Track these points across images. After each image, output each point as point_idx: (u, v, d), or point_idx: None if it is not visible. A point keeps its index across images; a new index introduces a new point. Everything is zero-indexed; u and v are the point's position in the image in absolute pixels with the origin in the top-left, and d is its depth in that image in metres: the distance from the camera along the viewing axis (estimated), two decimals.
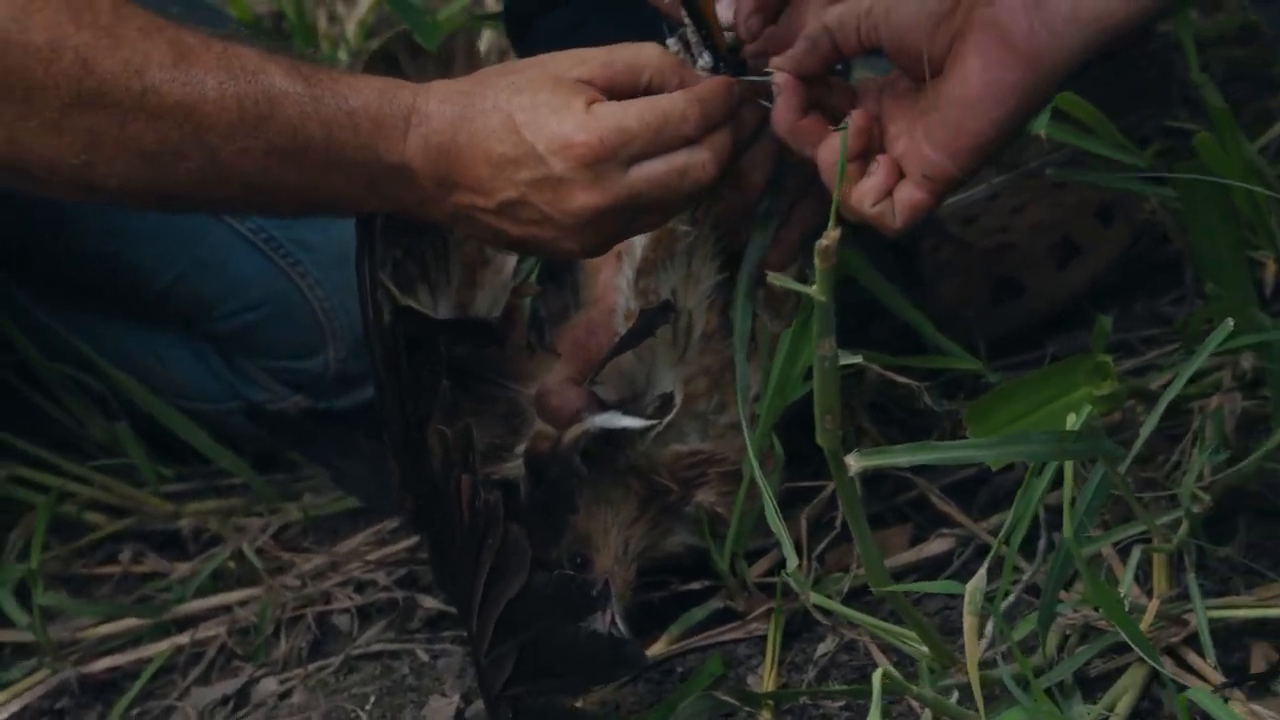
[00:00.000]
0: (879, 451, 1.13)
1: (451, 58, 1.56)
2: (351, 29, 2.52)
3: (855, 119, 1.40)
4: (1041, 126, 1.48)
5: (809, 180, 1.46)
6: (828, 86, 1.45)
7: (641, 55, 1.42)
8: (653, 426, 1.50)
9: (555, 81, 1.41)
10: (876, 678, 1.15)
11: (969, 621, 1.16)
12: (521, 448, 1.51)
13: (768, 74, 1.44)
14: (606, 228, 1.42)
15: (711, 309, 1.54)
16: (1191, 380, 1.53)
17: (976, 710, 1.22)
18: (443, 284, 1.56)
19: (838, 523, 1.55)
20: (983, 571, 1.18)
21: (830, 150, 1.40)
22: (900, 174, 1.40)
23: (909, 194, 1.39)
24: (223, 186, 1.40)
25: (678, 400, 1.52)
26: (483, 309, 1.56)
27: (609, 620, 1.47)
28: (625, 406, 1.51)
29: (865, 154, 1.42)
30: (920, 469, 1.65)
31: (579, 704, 1.45)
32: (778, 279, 1.05)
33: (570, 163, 1.38)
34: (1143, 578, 1.44)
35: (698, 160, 1.41)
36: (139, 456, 1.89)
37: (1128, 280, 1.89)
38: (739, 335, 1.46)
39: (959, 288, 1.83)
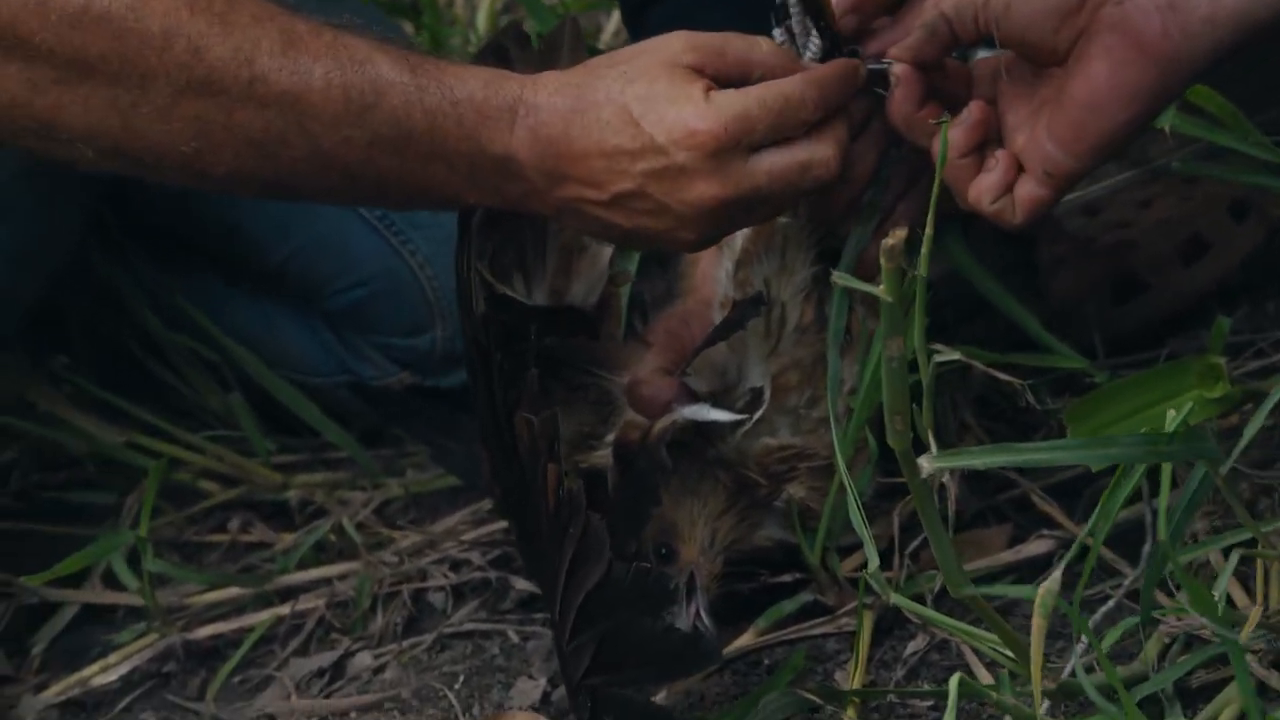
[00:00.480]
0: (956, 454, 1.10)
1: (559, 47, 1.55)
2: (482, 16, 2.52)
3: (972, 111, 1.36)
4: (1167, 121, 1.43)
5: (917, 173, 1.43)
6: (944, 73, 1.41)
7: (755, 49, 1.40)
8: (742, 421, 1.48)
9: (669, 69, 1.38)
10: (953, 682, 1.13)
11: (1037, 624, 1.12)
12: (611, 437, 1.50)
13: (885, 63, 1.40)
14: (723, 219, 1.40)
15: (807, 301, 1.51)
16: None
17: (1050, 709, 1.19)
18: (538, 272, 1.55)
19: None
20: (1056, 575, 1.14)
21: (948, 146, 1.36)
22: (1019, 169, 1.36)
23: (1030, 190, 1.35)
24: (326, 175, 1.40)
25: (767, 396, 1.49)
26: (578, 297, 1.55)
27: (693, 613, 1.45)
28: (716, 399, 1.49)
29: (982, 145, 1.38)
30: (1024, 468, 1.62)
31: (660, 696, 1.45)
32: (842, 278, 1.02)
33: (693, 152, 1.36)
34: (1257, 589, 1.40)
35: (821, 156, 1.38)
36: (251, 428, 1.92)
37: (1259, 279, 1.83)
38: (833, 330, 1.43)
39: (1075, 283, 1.78)
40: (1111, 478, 1.54)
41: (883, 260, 0.96)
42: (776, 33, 1.45)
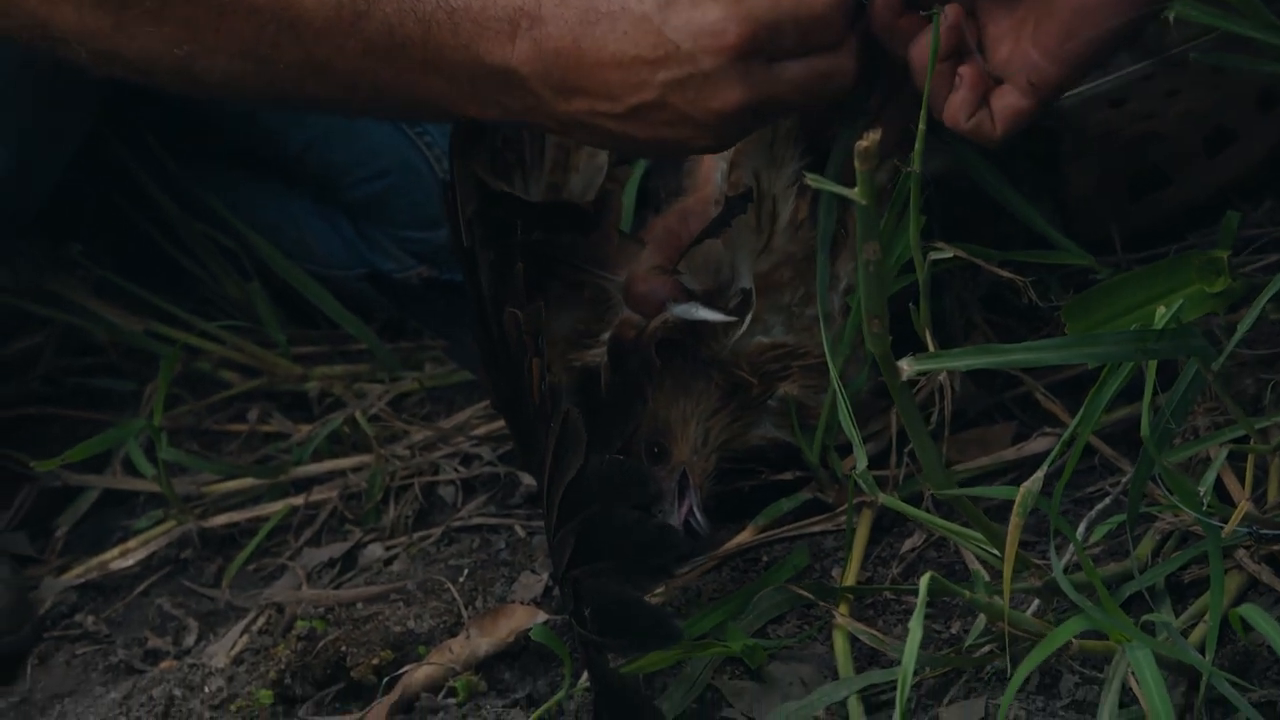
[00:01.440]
0: (934, 356, 1.09)
1: None
2: None
3: (948, 14, 1.34)
4: (1174, 10, 1.40)
5: (903, 77, 1.41)
6: None
7: None
8: (732, 322, 1.47)
9: None
10: (924, 581, 1.13)
11: (1014, 522, 1.12)
12: (607, 335, 1.50)
13: None
14: (744, 124, 1.38)
15: (801, 198, 1.50)
16: None
17: (1028, 613, 1.20)
18: (536, 167, 1.54)
19: (933, 419, 1.52)
20: (1039, 475, 1.14)
21: (921, 50, 1.34)
22: (989, 83, 1.34)
23: (1011, 101, 1.34)
24: (322, 84, 1.39)
25: (754, 299, 1.49)
26: (576, 192, 1.54)
27: (685, 510, 1.47)
28: (710, 297, 1.49)
29: (959, 52, 1.36)
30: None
31: (658, 592, 1.46)
32: (816, 180, 1.02)
33: (719, 56, 1.33)
34: (1247, 484, 1.39)
35: (841, 67, 1.37)
36: (269, 318, 1.93)
37: None
38: (822, 232, 1.42)
39: (1100, 176, 1.76)
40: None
41: (856, 163, 0.95)
42: None
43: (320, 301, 1.94)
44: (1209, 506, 1.25)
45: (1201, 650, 1.25)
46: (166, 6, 1.36)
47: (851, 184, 1.46)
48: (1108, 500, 1.40)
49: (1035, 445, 1.53)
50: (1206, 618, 1.30)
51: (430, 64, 1.36)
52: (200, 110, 1.93)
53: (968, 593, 1.20)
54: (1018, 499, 1.13)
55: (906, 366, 1.07)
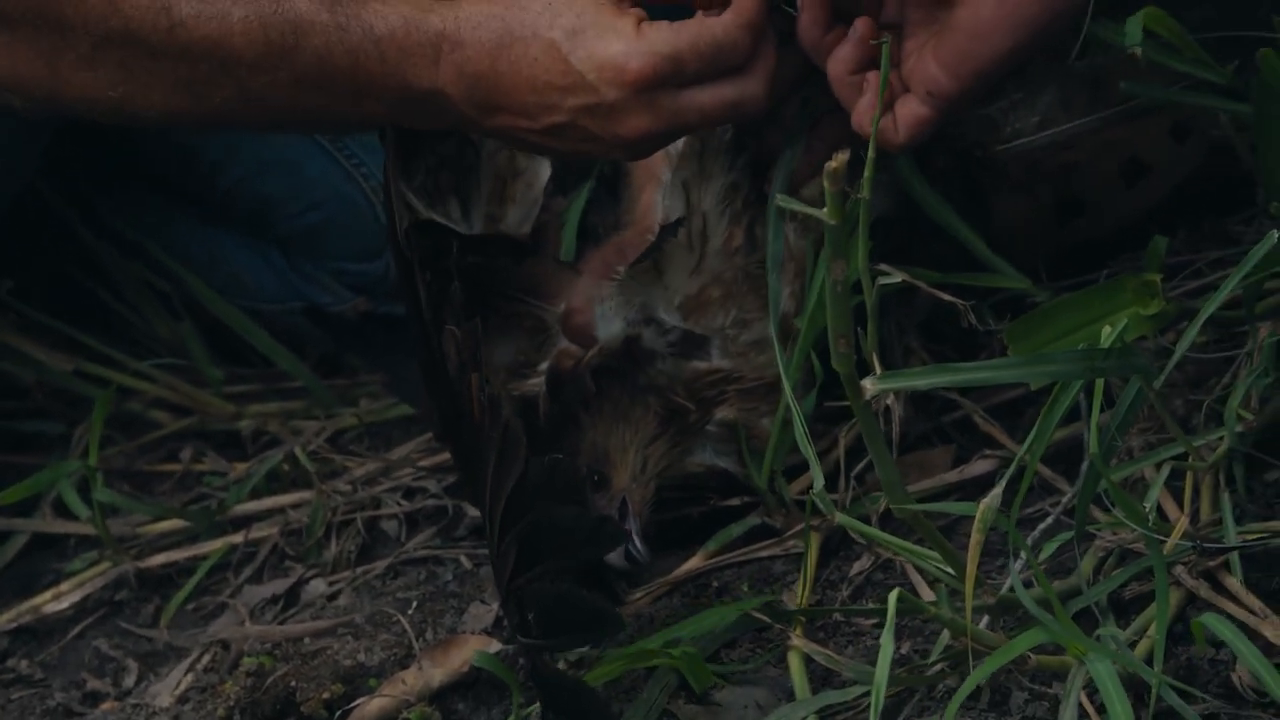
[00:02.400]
0: (896, 375, 1.12)
1: None
2: None
3: (858, 28, 1.39)
4: (1135, 41, 1.45)
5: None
6: None
7: None
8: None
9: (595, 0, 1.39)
10: (892, 597, 1.15)
11: (975, 539, 1.15)
12: (546, 365, 1.52)
13: None
14: (656, 144, 1.42)
15: (736, 224, 1.53)
16: (1249, 303, 1.50)
17: (982, 627, 1.22)
18: (475, 196, 1.56)
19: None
20: (997, 491, 1.16)
21: (838, 64, 1.38)
22: (895, 91, 1.39)
23: (912, 109, 1.38)
24: (258, 114, 1.42)
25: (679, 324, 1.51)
26: (513, 224, 1.57)
27: (626, 537, 1.48)
28: (642, 324, 1.51)
29: (872, 64, 1.40)
30: (966, 389, 1.64)
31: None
32: (786, 201, 1.04)
33: (623, 90, 1.37)
34: (1185, 502, 1.42)
35: (751, 93, 1.40)
36: (201, 356, 1.92)
37: (1197, 201, 1.85)
38: (771, 255, 1.44)
39: (1023, 206, 1.80)
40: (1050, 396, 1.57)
41: (825, 183, 0.97)
42: None
43: (253, 337, 1.93)
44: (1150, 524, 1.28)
45: (1150, 665, 1.28)
46: (99, 51, 1.38)
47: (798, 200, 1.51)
48: (1049, 520, 1.43)
49: (976, 467, 1.56)
50: (1150, 632, 1.33)
51: (361, 91, 1.40)
52: (131, 147, 1.92)
53: (932, 608, 1.22)
54: (978, 515, 1.15)
55: (869, 386, 1.09)
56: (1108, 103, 1.76)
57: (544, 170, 1.57)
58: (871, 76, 1.38)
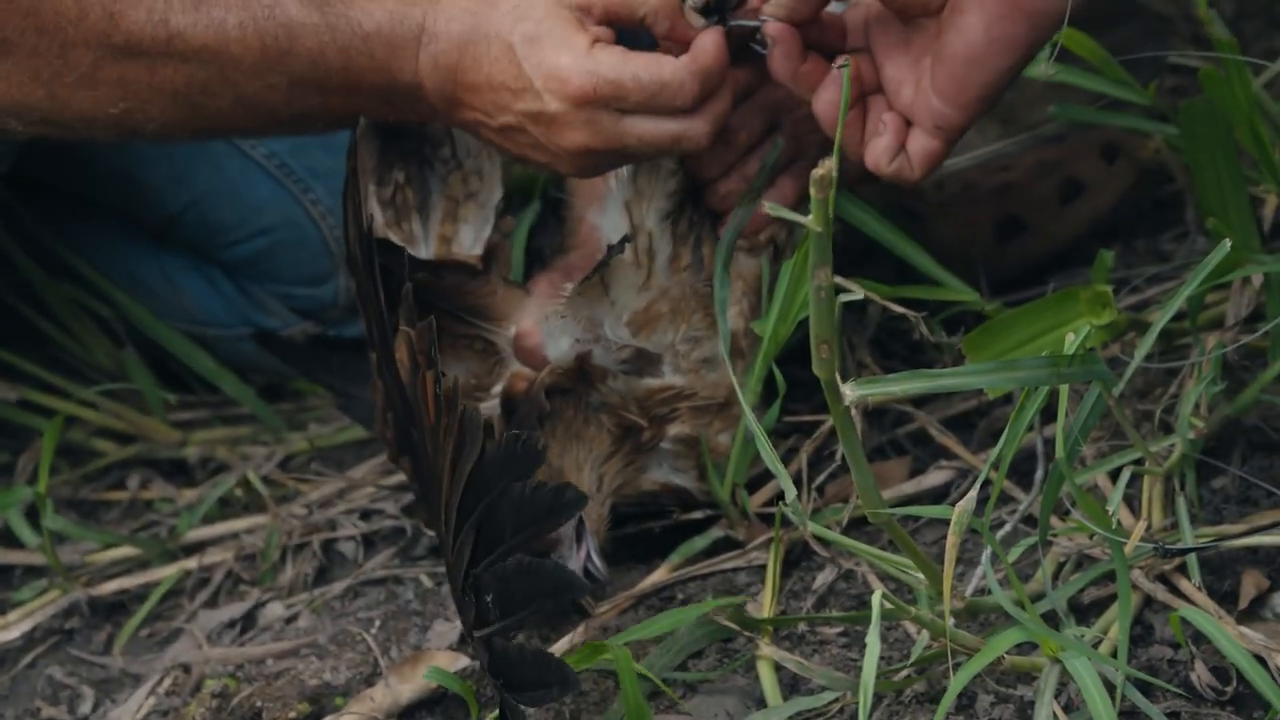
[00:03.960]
0: (875, 380, 1.14)
1: None
2: None
3: (842, 63, 1.41)
4: (1045, 73, 1.49)
5: (803, 146, 1.48)
6: (820, 25, 1.46)
7: None
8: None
9: (557, 9, 1.42)
10: (876, 599, 1.17)
11: (951, 540, 1.18)
12: (499, 388, 1.53)
13: (759, 21, 1.44)
14: (598, 162, 1.46)
15: (683, 243, 1.55)
16: (1193, 315, 1.55)
17: (956, 627, 1.24)
18: (431, 216, 1.58)
19: (838, 455, 1.57)
20: (972, 494, 1.19)
21: (826, 102, 1.41)
22: (905, 129, 1.42)
23: (924, 144, 1.41)
24: (254, 118, 1.45)
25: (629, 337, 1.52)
26: (465, 244, 1.59)
27: (584, 555, 1.49)
28: (591, 342, 1.52)
29: (862, 97, 1.43)
30: (919, 402, 1.67)
31: (574, 634, 1.47)
32: (774, 209, 1.06)
33: (564, 102, 1.41)
34: (1141, 508, 1.46)
35: (693, 132, 1.43)
36: (145, 383, 1.90)
37: (1130, 218, 1.90)
38: (719, 300, 1.47)
39: (963, 226, 1.84)
40: (1008, 406, 1.61)
41: (812, 190, 1.00)
42: None
43: (196, 363, 1.92)
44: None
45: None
46: (99, 70, 1.40)
47: (753, 238, 1.54)
48: (1008, 527, 1.46)
49: (933, 478, 1.59)
50: (1111, 633, 1.37)
51: (352, 87, 1.45)
52: (73, 171, 1.90)
53: (913, 610, 1.24)
54: (954, 517, 1.18)
55: (850, 391, 1.12)
56: (1018, 126, 1.81)
57: (495, 191, 1.60)
58: (888, 118, 1.41)
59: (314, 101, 1.44)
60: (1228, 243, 1.26)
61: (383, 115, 1.49)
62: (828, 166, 0.97)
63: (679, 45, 1.44)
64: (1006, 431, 1.21)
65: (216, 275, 1.94)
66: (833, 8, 1.51)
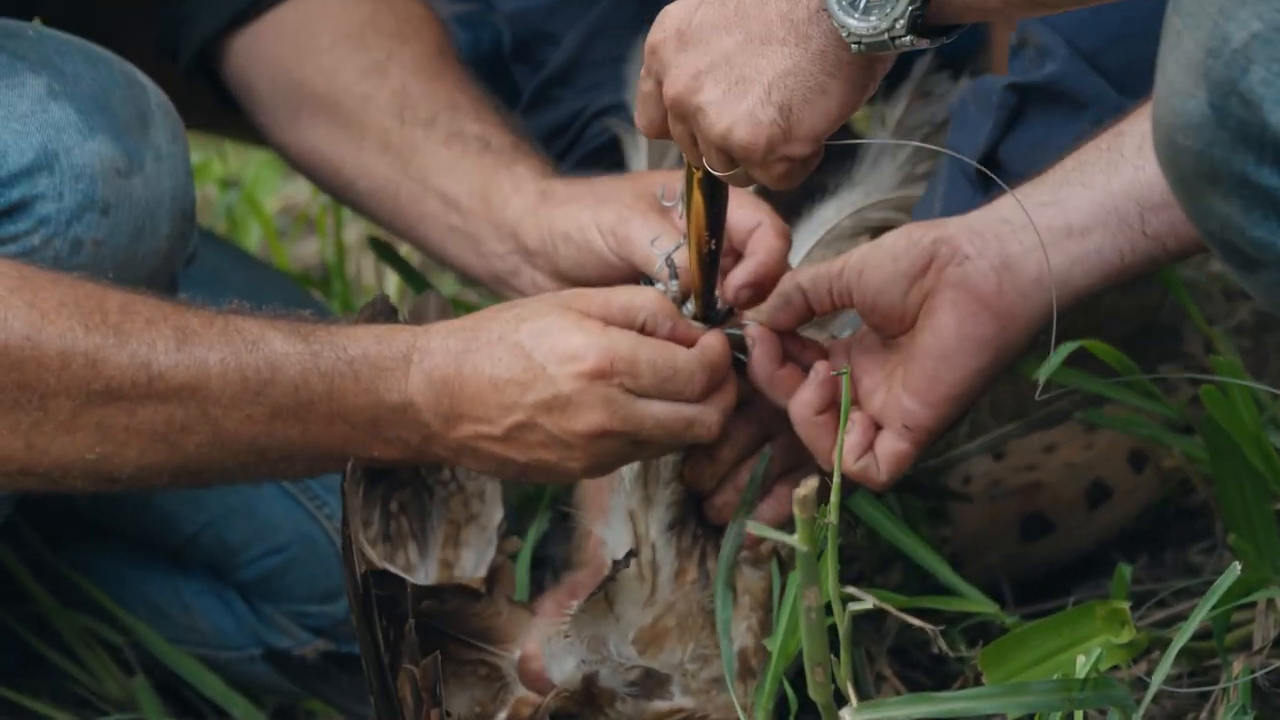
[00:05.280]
0: (875, 704, 1.10)
1: (425, 317, 1.59)
2: (392, 283, 2.57)
3: (819, 370, 1.44)
4: (1049, 373, 1.48)
5: (796, 458, 1.49)
6: (801, 343, 1.49)
7: (638, 298, 1.46)
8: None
9: (562, 308, 1.45)
10: None
11: None
12: (504, 715, 1.49)
13: (743, 326, 1.48)
14: (609, 451, 1.44)
15: (687, 558, 1.53)
16: (1219, 636, 1.50)
17: None
18: (430, 542, 1.56)
19: None
20: None
21: (801, 407, 1.43)
22: (874, 430, 1.43)
23: (891, 445, 1.42)
24: (232, 454, 1.44)
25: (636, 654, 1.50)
26: (468, 568, 1.56)
27: None
28: (599, 664, 1.49)
29: (834, 404, 1.45)
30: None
31: None
32: (759, 529, 1.05)
33: (578, 380, 1.41)
34: None
35: (705, 419, 1.44)
36: (154, 715, 1.86)
37: (1158, 528, 1.87)
38: (721, 622, 1.46)
39: (988, 523, 1.82)
40: None
41: (796, 510, 0.98)
42: (660, 286, 1.51)
43: (207, 688, 1.89)
44: None
45: None
46: (79, 417, 1.40)
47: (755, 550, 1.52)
48: None
49: None
50: None
51: (336, 414, 1.43)
52: (91, 500, 1.90)
53: None
54: None
55: (849, 717, 1.08)
56: (1076, 432, 1.80)
57: (496, 513, 1.58)
58: (855, 417, 1.42)
59: (295, 432, 1.43)
60: (1238, 566, 1.23)
61: (369, 451, 1.46)
62: (810, 485, 0.96)
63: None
64: None
65: (231, 596, 1.93)
66: (845, 333, 1.54)
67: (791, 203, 1.67)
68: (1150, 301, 1.77)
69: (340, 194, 1.81)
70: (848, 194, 1.70)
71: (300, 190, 2.96)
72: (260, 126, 1.83)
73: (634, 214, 1.56)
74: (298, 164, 1.83)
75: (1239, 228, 1.05)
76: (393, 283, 2.56)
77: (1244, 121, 1.01)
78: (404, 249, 2.50)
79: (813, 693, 1.10)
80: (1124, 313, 1.67)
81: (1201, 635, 1.57)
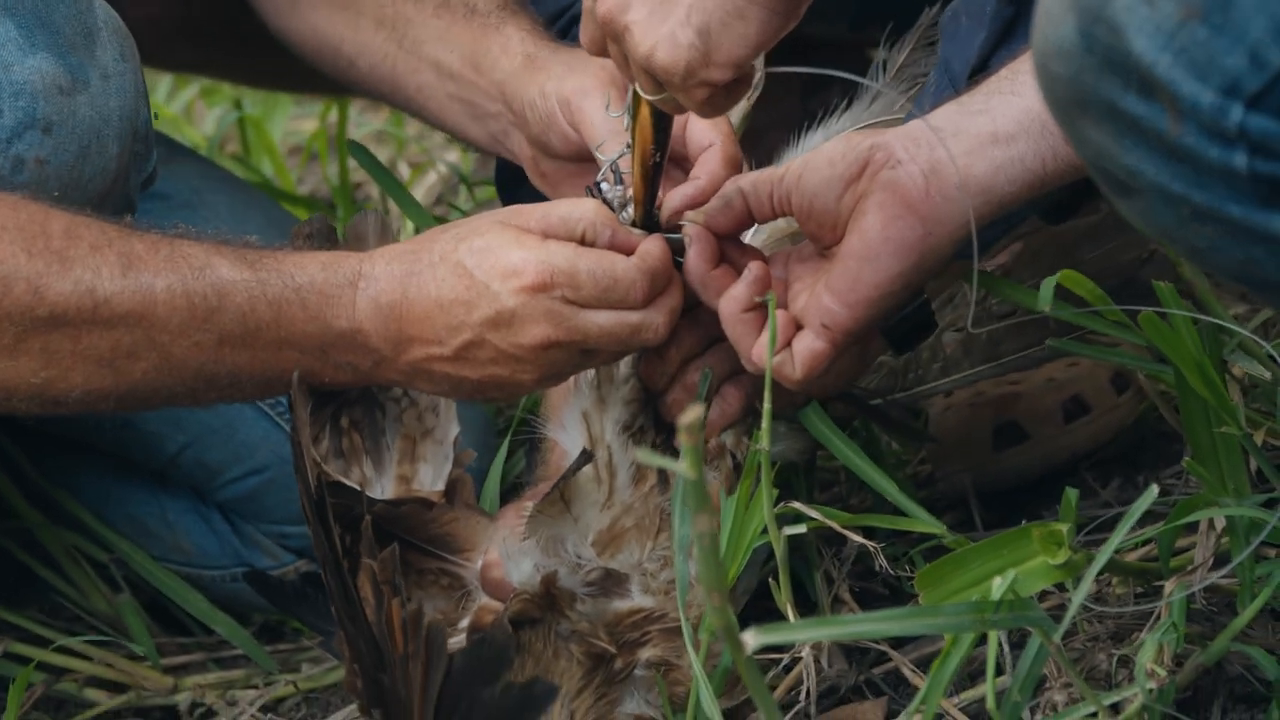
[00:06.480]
0: (776, 628, 1.10)
1: (364, 237, 1.59)
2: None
3: (753, 269, 1.44)
4: (1046, 303, 1.48)
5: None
6: (741, 249, 1.49)
7: (576, 210, 1.46)
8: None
9: (500, 225, 1.45)
10: None
11: None
12: (466, 622, 1.50)
13: (682, 226, 1.48)
14: (559, 361, 1.45)
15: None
16: (1165, 558, 1.49)
17: None
18: (386, 458, 1.57)
19: (802, 695, 1.52)
20: None
21: (731, 301, 1.43)
22: (792, 329, 1.43)
23: (808, 344, 1.42)
24: (180, 380, 1.44)
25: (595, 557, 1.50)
26: (426, 483, 1.57)
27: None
28: (561, 566, 1.50)
29: (764, 305, 1.45)
30: (896, 642, 1.62)
31: None
32: (645, 456, 1.05)
33: (521, 294, 1.42)
34: None
35: (651, 323, 1.45)
36: (140, 631, 1.88)
37: (1134, 450, 1.86)
38: (677, 540, 1.45)
39: (963, 425, 1.82)
40: (983, 649, 1.55)
41: (682, 437, 0.98)
42: (605, 186, 1.51)
43: (192, 606, 1.92)
44: None
45: None
46: (22, 343, 1.40)
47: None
48: None
49: None
50: None
51: (284, 341, 1.44)
52: (71, 421, 1.93)
53: None
54: None
55: (751, 640, 1.08)
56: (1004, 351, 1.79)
57: (452, 427, 1.59)
58: (776, 314, 1.42)
59: (243, 359, 1.43)
60: (1155, 489, 1.22)
61: (320, 376, 1.47)
62: (695, 412, 0.96)
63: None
64: (927, 684, 1.16)
65: (212, 514, 1.95)
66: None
67: (782, 131, 1.66)
68: (1130, 256, 1.76)
69: (344, 76, 1.80)
70: (834, 122, 1.69)
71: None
72: (264, 14, 1.83)
73: (596, 88, 1.55)
74: (302, 50, 1.82)
75: (1111, 154, 1.03)
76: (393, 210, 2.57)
77: (1109, 48, 0.99)
78: (384, 154, 2.50)
79: (710, 617, 1.10)
80: (1105, 272, 1.65)
81: (1154, 558, 1.56)
